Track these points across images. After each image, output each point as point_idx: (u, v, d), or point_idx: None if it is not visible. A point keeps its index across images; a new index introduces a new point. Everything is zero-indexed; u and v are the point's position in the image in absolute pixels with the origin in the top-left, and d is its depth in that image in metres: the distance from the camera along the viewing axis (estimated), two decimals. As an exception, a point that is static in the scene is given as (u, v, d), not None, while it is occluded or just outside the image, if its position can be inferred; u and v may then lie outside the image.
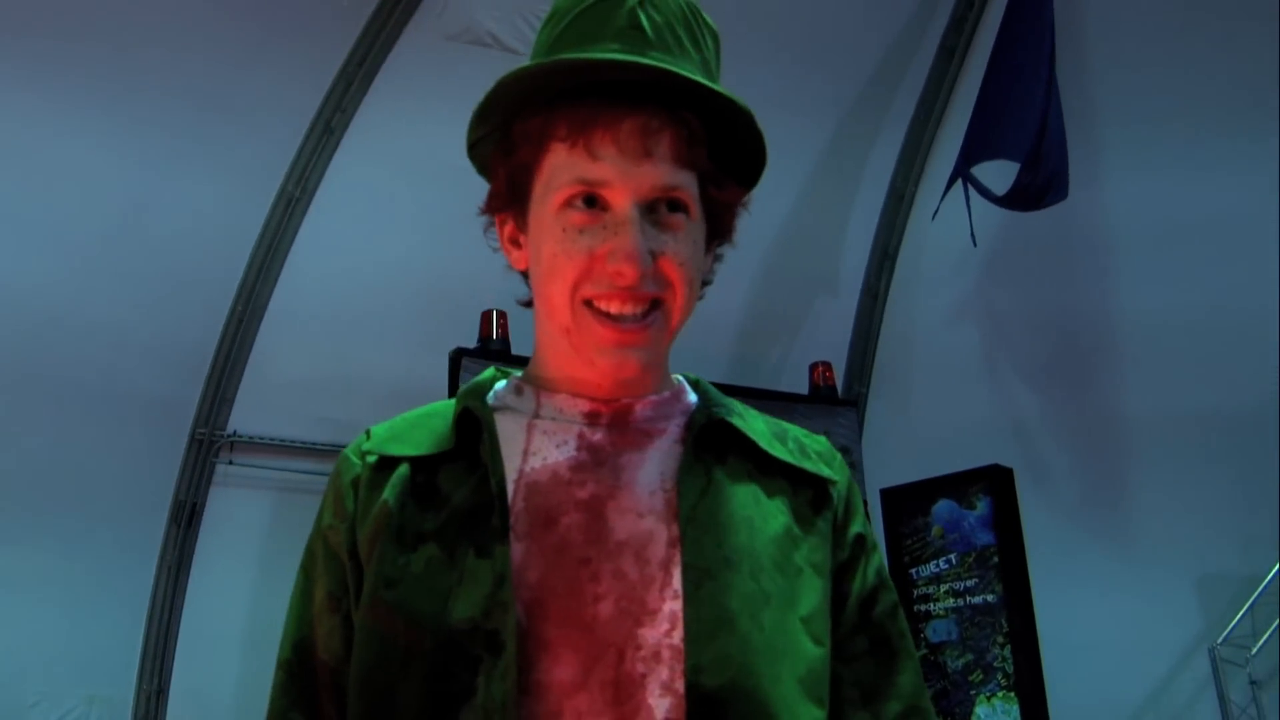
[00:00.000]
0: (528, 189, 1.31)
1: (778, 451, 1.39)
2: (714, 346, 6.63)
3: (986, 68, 6.12)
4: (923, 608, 6.18)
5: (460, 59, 5.77)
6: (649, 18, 1.30)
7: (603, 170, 1.23)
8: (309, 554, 1.38)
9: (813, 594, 1.31)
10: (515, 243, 1.36)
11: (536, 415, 1.35)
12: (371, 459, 1.35)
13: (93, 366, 5.53)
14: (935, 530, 6.20)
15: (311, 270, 6.03)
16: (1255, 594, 6.07)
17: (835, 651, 1.34)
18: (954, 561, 6.11)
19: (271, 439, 6.01)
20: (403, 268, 5.89)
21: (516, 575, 1.22)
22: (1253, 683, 6.04)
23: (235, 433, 6.00)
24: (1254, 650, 6.04)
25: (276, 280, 6.03)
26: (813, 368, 6.58)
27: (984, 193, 5.80)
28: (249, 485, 5.94)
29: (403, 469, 1.32)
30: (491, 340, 5.41)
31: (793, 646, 1.26)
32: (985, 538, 6.02)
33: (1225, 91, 6.22)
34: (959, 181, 5.88)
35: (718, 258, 1.42)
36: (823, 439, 1.51)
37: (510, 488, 1.28)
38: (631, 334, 1.26)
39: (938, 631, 6.07)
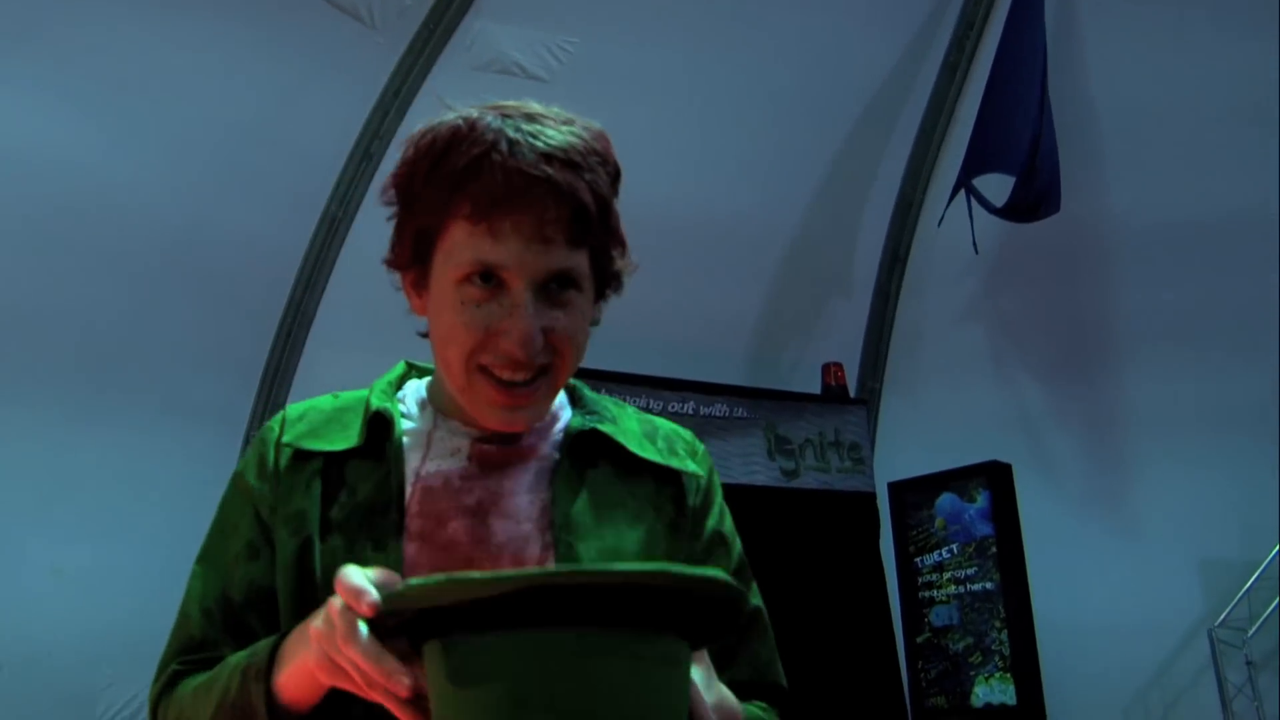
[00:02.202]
0: (429, 253, 1.35)
1: (646, 452, 1.48)
2: (730, 347, 6.88)
3: (986, 84, 6.31)
4: (926, 594, 6.40)
5: (489, 88, 6.01)
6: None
7: (501, 254, 1.27)
8: (222, 510, 1.48)
9: None
10: (417, 291, 1.41)
11: (434, 429, 1.44)
12: (289, 450, 1.43)
13: (156, 378, 5.79)
14: (938, 522, 6.43)
15: (354, 285, 6.21)
16: (1253, 578, 6.27)
17: None
18: (955, 551, 6.34)
19: None
20: None
21: (408, 570, 1.30)
22: (1249, 663, 6.22)
23: None
24: (1251, 632, 6.23)
25: (322, 295, 6.27)
26: (825, 368, 6.81)
27: (984, 203, 6.01)
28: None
29: (316, 463, 1.41)
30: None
31: None
32: (984, 529, 6.25)
33: (1220, 95, 6.37)
34: (962, 191, 6.10)
35: (605, 299, 1.46)
36: (689, 433, 1.59)
37: (408, 489, 1.38)
38: (520, 397, 1.33)
39: (940, 616, 6.31)
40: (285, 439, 1.45)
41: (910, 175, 7.29)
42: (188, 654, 1.40)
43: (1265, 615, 6.26)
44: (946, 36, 6.99)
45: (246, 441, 6.16)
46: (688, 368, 5.96)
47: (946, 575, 6.36)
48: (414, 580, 0.99)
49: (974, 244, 6.08)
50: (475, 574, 0.95)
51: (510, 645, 0.96)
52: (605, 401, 1.55)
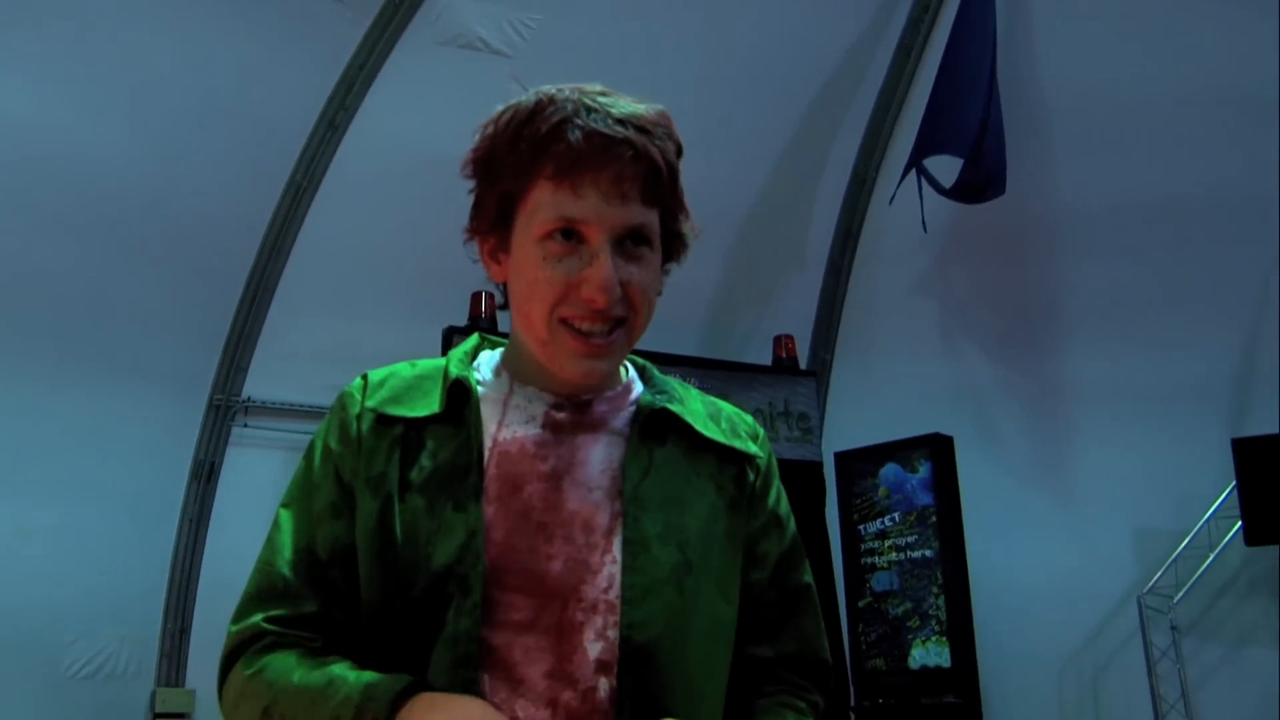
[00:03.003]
0: (512, 216, 1.40)
1: (711, 432, 1.53)
2: (686, 319, 7.00)
3: (938, 68, 6.45)
4: (869, 560, 6.60)
5: (453, 62, 6.06)
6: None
7: (583, 209, 1.33)
8: (307, 468, 1.50)
9: (727, 561, 1.48)
10: (495, 259, 1.45)
11: (510, 395, 1.48)
12: (371, 415, 1.47)
13: (122, 341, 5.90)
14: (882, 491, 6.63)
15: (317, 251, 6.34)
16: (1180, 547, 6.53)
17: (751, 601, 1.53)
18: (897, 519, 6.54)
19: (282, 404, 6.38)
20: (400, 250, 6.14)
21: (487, 532, 1.37)
22: (1174, 628, 6.51)
23: (249, 398, 6.39)
24: (1176, 599, 6.51)
25: (286, 260, 6.36)
26: (776, 340, 6.94)
27: (933, 184, 6.18)
28: (262, 445, 6.29)
29: (398, 429, 1.45)
30: (480, 319, 5.71)
31: (708, 607, 1.43)
32: (925, 499, 6.46)
33: (1165, 82, 6.54)
34: (913, 171, 6.24)
35: (667, 272, 1.50)
36: (750, 418, 1.64)
37: (486, 453, 1.43)
38: (599, 348, 1.37)
39: (881, 582, 6.51)
40: (369, 404, 1.49)
41: (864, 154, 7.44)
42: (272, 600, 1.44)
43: (1190, 583, 6.53)
44: (902, 19, 7.12)
45: (210, 404, 6.34)
46: (644, 338, 6.10)
47: (888, 543, 6.56)
48: None
49: (923, 223, 6.23)
50: None
51: None
52: (673, 383, 1.59)
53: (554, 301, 1.36)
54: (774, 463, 1.62)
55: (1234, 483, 6.39)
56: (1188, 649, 6.62)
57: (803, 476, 6.48)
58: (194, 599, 6.20)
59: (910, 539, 6.47)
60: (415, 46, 6.16)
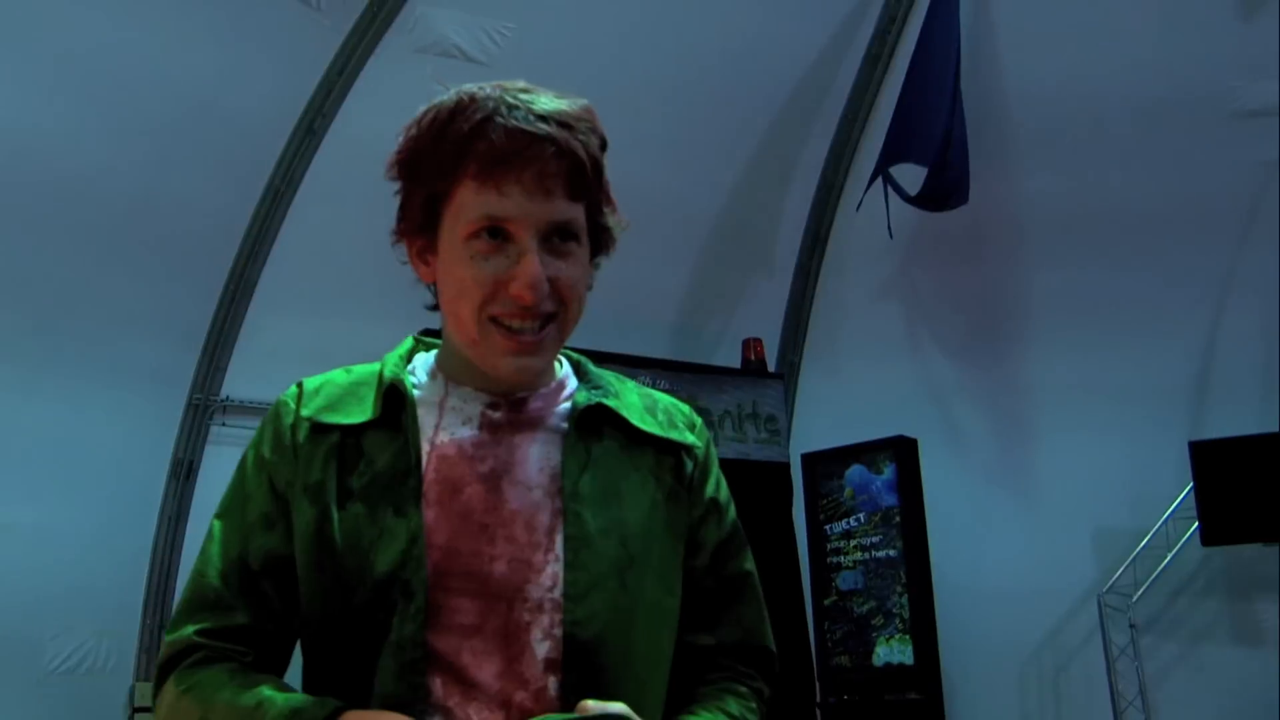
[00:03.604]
0: (438, 217, 1.40)
1: (648, 425, 1.55)
2: (656, 322, 7.14)
3: (904, 78, 6.55)
4: (834, 559, 6.73)
5: (429, 69, 6.05)
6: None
7: (508, 208, 1.34)
8: (240, 478, 1.50)
9: (668, 553, 1.50)
10: (423, 259, 1.45)
11: (446, 397, 1.49)
12: (306, 424, 1.47)
13: (102, 341, 5.96)
14: (847, 492, 6.75)
15: (296, 253, 6.43)
16: (1139, 547, 6.71)
17: (692, 589, 1.54)
18: (862, 520, 6.67)
19: (260, 402, 6.41)
20: (375, 252, 6.15)
21: (428, 535, 1.38)
22: (1132, 626, 6.67)
23: (228, 398, 6.47)
24: (1135, 597, 6.67)
25: (265, 262, 6.45)
26: (745, 343, 7.05)
27: (899, 192, 6.29)
28: (240, 444, 6.03)
29: (334, 436, 1.45)
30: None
31: (651, 599, 1.45)
32: (890, 499, 6.58)
33: (1125, 92, 6.68)
34: (879, 179, 6.34)
35: (597, 266, 1.51)
36: (687, 407, 1.66)
37: (424, 457, 1.43)
38: (529, 345, 1.38)
39: (846, 581, 6.64)
40: (304, 413, 1.48)
41: (832, 160, 7.55)
42: (203, 610, 1.44)
43: (1149, 582, 6.69)
44: (869, 29, 7.21)
45: (189, 403, 6.43)
46: (614, 341, 6.18)
47: (853, 542, 6.68)
48: None
49: (889, 229, 6.35)
50: None
51: None
52: (608, 376, 1.60)
53: (482, 300, 1.36)
54: (713, 451, 1.63)
55: (1191, 484, 6.54)
56: (1146, 646, 6.77)
57: (770, 477, 6.62)
58: (173, 595, 6.20)
59: (875, 539, 6.59)
60: (392, 54, 6.24)
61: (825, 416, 7.54)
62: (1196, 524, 6.55)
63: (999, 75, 6.98)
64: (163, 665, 1.44)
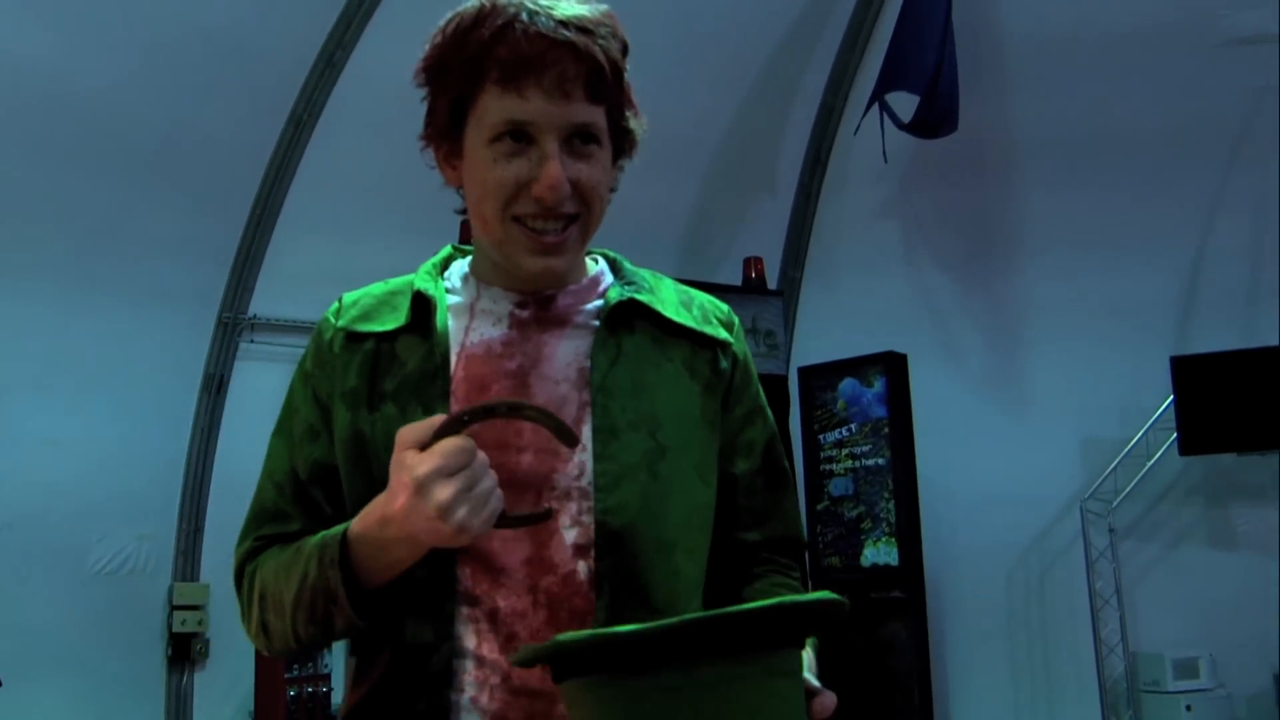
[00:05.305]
0: (463, 121, 1.41)
1: (682, 318, 1.54)
2: (662, 241, 7.34)
3: (900, 7, 6.69)
4: (827, 467, 7.00)
5: (445, 2, 6.31)
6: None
7: (529, 112, 1.36)
8: (290, 394, 1.55)
9: (704, 444, 1.51)
10: (450, 164, 1.47)
11: (477, 299, 1.51)
12: (341, 335, 1.51)
13: (137, 265, 6.21)
14: (840, 404, 6.99)
15: (319, 178, 6.62)
16: (1120, 455, 6.98)
17: (741, 488, 1.57)
18: (853, 430, 6.92)
19: (286, 320, 6.65)
20: (396, 176, 6.07)
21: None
22: (1111, 531, 6.97)
23: (255, 315, 6.69)
24: (1115, 503, 6.97)
25: (289, 187, 6.65)
26: (746, 261, 7.24)
27: (893, 118, 6.48)
28: (267, 359, 6.54)
29: (369, 344, 1.49)
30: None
31: (684, 490, 1.46)
32: (880, 411, 6.82)
33: (1116, 18, 6.79)
34: (875, 105, 6.53)
35: (620, 169, 1.52)
36: (725, 305, 1.65)
37: (454, 358, 1.46)
38: (552, 244, 1.40)
39: (837, 487, 6.92)
40: (340, 324, 1.53)
41: (832, 85, 7.71)
42: (263, 523, 1.51)
43: (1129, 488, 6.98)
44: (868, -42, 7.32)
45: (219, 322, 6.68)
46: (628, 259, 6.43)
47: (845, 451, 6.95)
48: (563, 636, 1.06)
49: (884, 154, 6.56)
50: (625, 630, 1.03)
51: (656, 686, 1.04)
52: (644, 273, 1.60)
53: (506, 201, 1.39)
54: (749, 354, 1.65)
55: (1172, 397, 6.78)
56: (1125, 550, 7.06)
57: (769, 390, 6.63)
58: (206, 501, 6.55)
59: (865, 448, 6.85)
60: None
61: (825, 331, 7.73)
62: (1175, 435, 6.78)
63: (993, 2, 7.09)
64: (236, 576, 1.53)
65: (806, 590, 1.57)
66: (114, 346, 6.19)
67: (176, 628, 6.33)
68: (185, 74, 6.11)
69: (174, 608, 6.36)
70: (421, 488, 1.22)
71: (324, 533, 1.39)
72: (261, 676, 6.13)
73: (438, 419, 1.27)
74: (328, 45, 6.48)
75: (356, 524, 1.34)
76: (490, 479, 1.26)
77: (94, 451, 6.08)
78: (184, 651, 6.36)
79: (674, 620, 1.04)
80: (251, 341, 6.72)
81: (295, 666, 6.03)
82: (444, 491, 1.22)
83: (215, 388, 6.64)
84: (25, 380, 5.93)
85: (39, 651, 5.73)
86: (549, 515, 1.34)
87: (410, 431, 1.27)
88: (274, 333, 6.69)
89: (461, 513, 1.22)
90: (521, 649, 1.12)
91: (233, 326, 6.69)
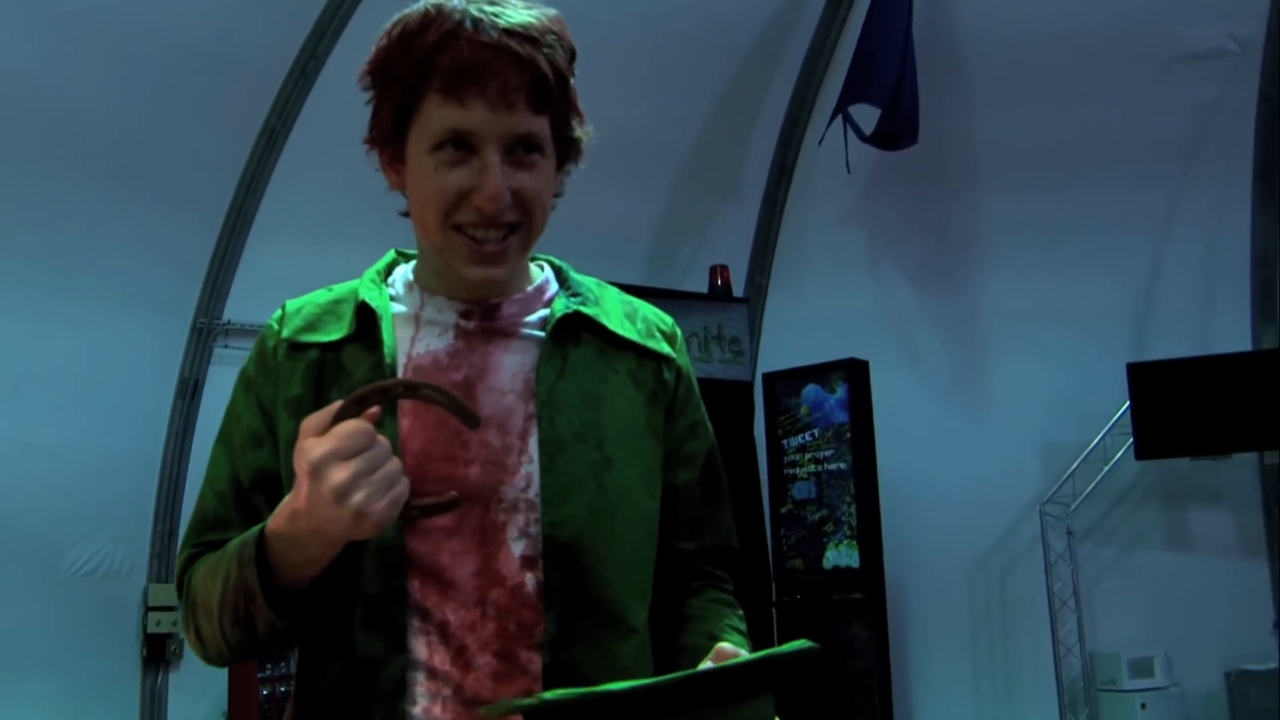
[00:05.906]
0: (406, 127, 1.39)
1: (627, 331, 1.54)
2: (629, 248, 7.46)
3: (864, 20, 6.80)
4: (790, 471, 7.10)
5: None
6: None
7: (471, 121, 1.34)
8: (232, 401, 1.53)
9: (649, 455, 1.51)
10: (393, 168, 1.44)
11: (422, 309, 1.49)
12: (285, 344, 1.50)
13: (113, 270, 6.26)
14: (803, 409, 7.09)
15: (290, 188, 6.71)
16: (1078, 459, 7.12)
17: (679, 498, 1.57)
18: (816, 435, 7.01)
19: (260, 326, 6.18)
20: (368, 185, 6.33)
21: (403, 444, 1.38)
22: (1070, 533, 7.12)
23: (229, 321, 6.75)
24: (1073, 506, 7.11)
25: (263, 195, 6.73)
26: (712, 269, 7.33)
27: (856, 130, 6.61)
28: (241, 364, 6.40)
29: (313, 353, 1.47)
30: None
31: (630, 501, 1.46)
32: (842, 416, 6.92)
33: (1074, 32, 6.94)
34: (839, 117, 6.63)
35: (566, 174, 1.50)
36: (669, 319, 1.65)
37: (400, 370, 1.44)
38: (492, 253, 1.39)
39: (800, 491, 7.02)
40: (284, 334, 1.51)
41: (797, 96, 7.83)
42: (204, 530, 1.49)
43: (1086, 491, 7.13)
44: (833, -28, 7.42)
45: (193, 327, 6.72)
46: (588, 268, 6.52)
47: (808, 456, 7.04)
48: (549, 695, 1.09)
49: (847, 165, 6.66)
50: (614, 688, 1.06)
51: None
52: (589, 282, 1.60)
53: (446, 209, 1.37)
54: (691, 368, 1.64)
55: (1128, 402, 6.92)
56: (1083, 552, 7.21)
57: (734, 395, 6.94)
58: (181, 504, 6.57)
59: (828, 453, 6.95)
60: (380, 3, 6.43)
61: (790, 337, 7.84)
62: (1131, 439, 6.92)
63: (954, 18, 7.22)
64: (177, 585, 1.52)
65: (737, 604, 1.61)
66: (89, 351, 6.22)
67: (151, 629, 6.37)
68: (161, 84, 6.18)
69: (149, 609, 6.40)
70: (316, 471, 1.20)
71: (246, 532, 1.38)
72: (235, 677, 6.15)
73: (336, 405, 1.24)
74: (301, 57, 6.57)
75: (271, 521, 1.32)
76: (393, 464, 1.24)
77: (69, 455, 6.10)
78: (159, 652, 6.40)
79: (662, 679, 1.06)
80: (226, 346, 6.76)
81: (268, 667, 6.10)
82: (339, 474, 1.19)
83: (190, 392, 6.69)
84: (0, 385, 5.95)
85: (14, 653, 5.76)
86: (456, 504, 1.30)
87: (311, 420, 1.24)
88: (248, 338, 6.62)
89: (359, 496, 1.19)
90: (500, 702, 1.14)
91: (207, 332, 6.74)
